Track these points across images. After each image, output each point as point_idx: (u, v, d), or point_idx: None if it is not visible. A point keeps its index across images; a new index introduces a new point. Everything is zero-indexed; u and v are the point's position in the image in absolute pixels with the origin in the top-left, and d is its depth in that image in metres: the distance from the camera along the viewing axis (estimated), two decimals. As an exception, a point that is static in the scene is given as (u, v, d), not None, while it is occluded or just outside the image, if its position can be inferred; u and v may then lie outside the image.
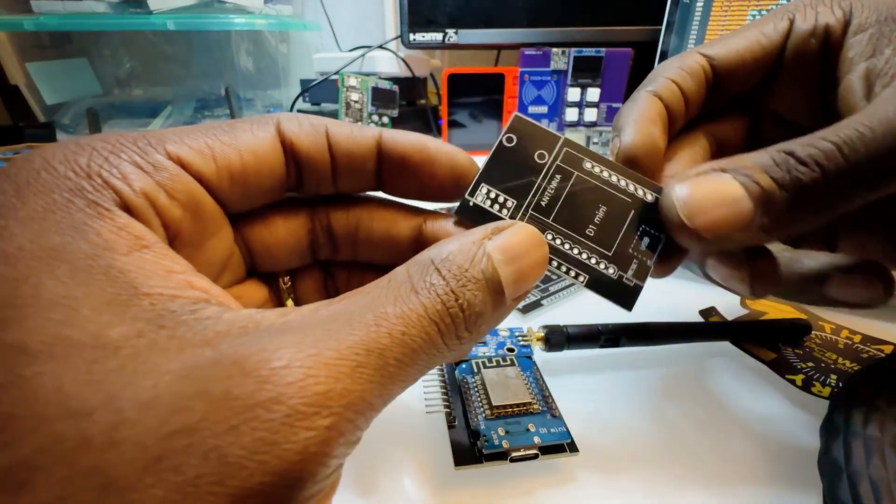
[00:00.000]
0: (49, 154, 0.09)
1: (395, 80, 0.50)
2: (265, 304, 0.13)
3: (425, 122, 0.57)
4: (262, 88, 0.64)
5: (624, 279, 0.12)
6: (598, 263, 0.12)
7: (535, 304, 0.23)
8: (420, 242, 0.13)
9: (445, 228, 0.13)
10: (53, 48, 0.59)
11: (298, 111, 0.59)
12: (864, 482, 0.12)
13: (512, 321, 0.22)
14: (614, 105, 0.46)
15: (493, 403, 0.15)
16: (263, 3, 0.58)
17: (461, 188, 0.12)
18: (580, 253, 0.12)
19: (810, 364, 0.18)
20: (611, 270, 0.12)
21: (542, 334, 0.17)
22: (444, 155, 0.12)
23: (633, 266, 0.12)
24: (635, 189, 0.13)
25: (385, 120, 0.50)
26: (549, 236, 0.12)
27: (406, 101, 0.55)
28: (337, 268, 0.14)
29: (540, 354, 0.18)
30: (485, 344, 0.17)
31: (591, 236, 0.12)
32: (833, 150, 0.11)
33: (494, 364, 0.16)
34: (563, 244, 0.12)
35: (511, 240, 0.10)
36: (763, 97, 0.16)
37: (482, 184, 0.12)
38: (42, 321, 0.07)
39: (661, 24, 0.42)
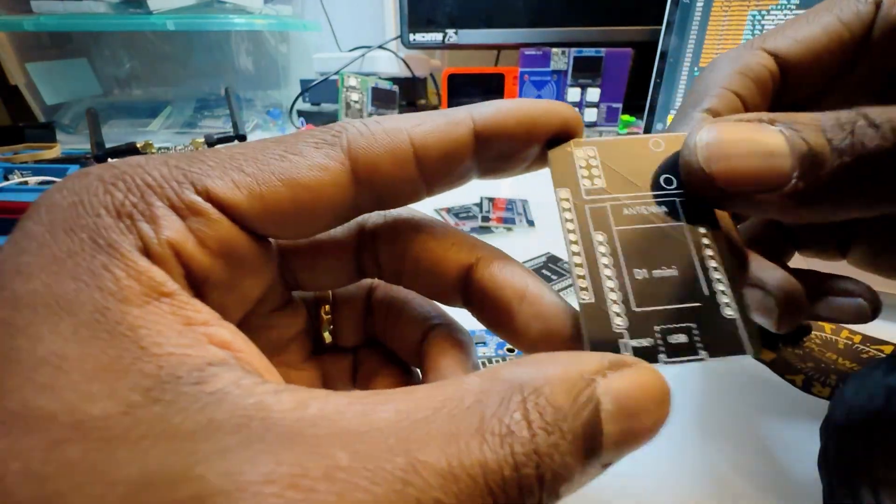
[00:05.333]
0: (90, 184, 0.08)
1: (394, 80, 0.50)
2: (300, 335, 0.13)
3: (425, 122, 0.57)
4: (262, 88, 0.64)
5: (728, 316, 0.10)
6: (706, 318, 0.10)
7: (535, 305, 0.23)
8: (468, 284, 0.11)
9: (502, 278, 0.11)
10: (53, 48, 0.59)
11: (298, 111, 0.59)
12: (864, 482, 0.12)
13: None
14: (614, 105, 0.46)
15: None
16: (263, 4, 0.58)
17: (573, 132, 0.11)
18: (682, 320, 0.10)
19: (810, 364, 0.18)
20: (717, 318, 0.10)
21: None
22: (547, 109, 0.10)
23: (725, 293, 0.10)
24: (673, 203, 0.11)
25: (385, 120, 0.50)
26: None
27: (406, 101, 0.55)
28: (378, 301, 0.13)
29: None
30: (485, 344, 0.17)
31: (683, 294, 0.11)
32: None
33: (498, 361, 0.16)
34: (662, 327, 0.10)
35: (631, 386, 0.08)
36: (819, 103, 0.14)
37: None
38: (21, 383, 0.06)
39: (661, 24, 0.42)
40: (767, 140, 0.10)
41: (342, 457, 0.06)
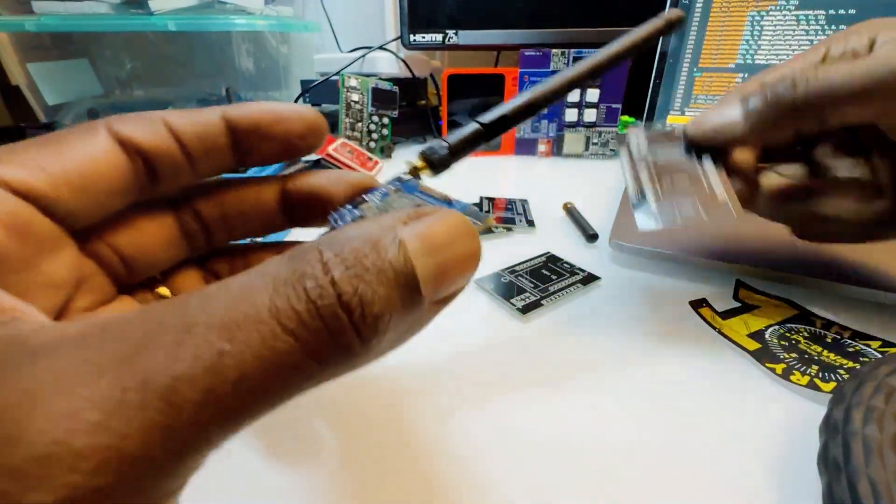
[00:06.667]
0: None
1: (395, 80, 0.50)
2: None
3: (425, 122, 0.57)
4: (263, 89, 0.64)
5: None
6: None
7: (535, 304, 0.23)
8: (288, 205, 0.13)
9: (311, 179, 0.13)
10: (55, 49, 0.59)
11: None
12: (864, 482, 0.12)
13: (509, 320, 0.22)
14: (613, 106, 0.46)
15: None
16: (264, 4, 0.58)
17: (315, 138, 0.13)
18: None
19: (793, 355, 0.19)
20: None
21: (423, 163, 0.15)
22: (292, 109, 0.12)
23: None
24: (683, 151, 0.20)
25: (385, 120, 0.50)
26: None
27: (406, 101, 0.55)
28: (217, 261, 0.14)
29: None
30: (366, 202, 0.14)
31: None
32: (801, 75, 0.17)
33: (382, 207, 0.13)
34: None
35: (433, 227, 0.08)
36: None
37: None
38: None
39: (660, 24, 0.42)
40: (726, 109, 0.19)
41: (110, 346, 0.06)
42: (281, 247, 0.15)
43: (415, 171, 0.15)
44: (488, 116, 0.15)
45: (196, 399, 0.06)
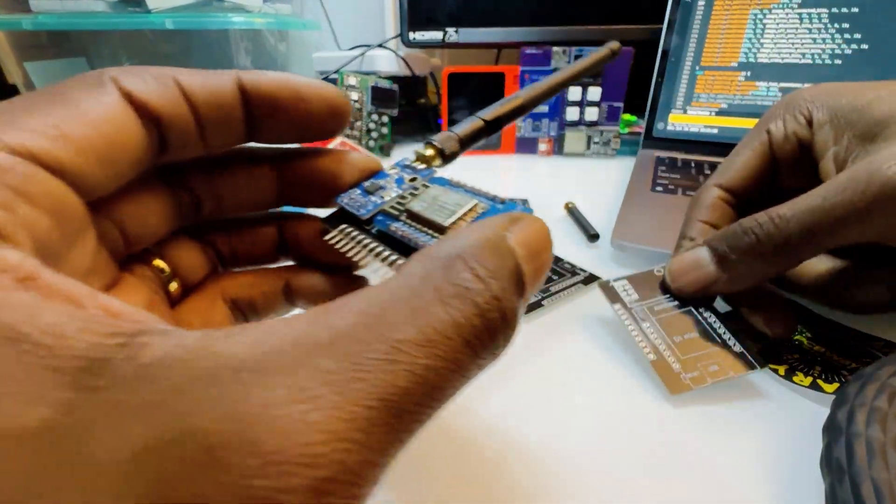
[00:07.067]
0: None
1: (394, 79, 0.50)
2: (151, 301, 0.12)
3: (425, 121, 0.57)
4: (262, 87, 0.64)
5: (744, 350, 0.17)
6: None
7: (536, 305, 0.23)
8: (285, 184, 0.13)
9: (314, 160, 0.13)
10: (52, 47, 0.59)
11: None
12: (867, 483, 0.12)
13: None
14: (615, 104, 0.46)
15: (445, 225, 0.12)
16: (262, 2, 0.58)
17: (338, 121, 0.12)
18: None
19: (796, 356, 0.19)
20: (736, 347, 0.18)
21: (433, 152, 0.14)
22: (315, 88, 0.11)
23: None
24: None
25: (385, 119, 0.49)
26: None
27: (406, 100, 0.55)
28: (211, 232, 0.13)
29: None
30: (383, 188, 0.13)
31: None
32: (766, 220, 0.16)
33: (410, 196, 0.13)
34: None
35: (530, 233, 0.09)
36: (774, 187, 0.21)
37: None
38: None
39: (662, 22, 0.42)
40: (699, 256, 0.18)
41: (327, 363, 0.06)
42: (274, 220, 0.14)
43: (423, 160, 0.14)
44: (488, 113, 0.15)
45: (412, 409, 0.07)
